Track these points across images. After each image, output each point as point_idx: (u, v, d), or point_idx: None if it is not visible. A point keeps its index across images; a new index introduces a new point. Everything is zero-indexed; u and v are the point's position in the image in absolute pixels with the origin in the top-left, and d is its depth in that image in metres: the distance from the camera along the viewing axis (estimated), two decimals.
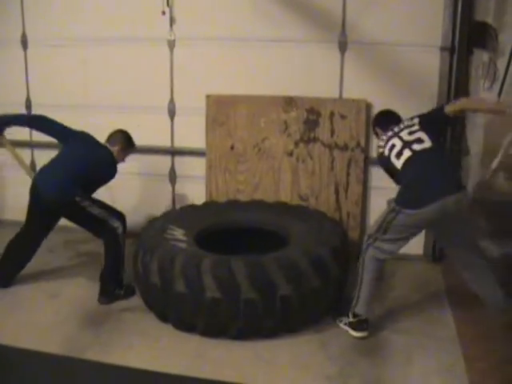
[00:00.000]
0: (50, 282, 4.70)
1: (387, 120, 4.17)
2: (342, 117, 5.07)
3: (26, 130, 5.72)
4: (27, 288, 4.54)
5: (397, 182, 4.00)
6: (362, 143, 5.07)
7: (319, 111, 5.11)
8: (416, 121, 3.96)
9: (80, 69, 5.58)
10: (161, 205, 5.53)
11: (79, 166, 4.33)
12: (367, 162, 5.16)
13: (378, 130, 4.22)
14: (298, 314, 3.86)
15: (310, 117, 5.13)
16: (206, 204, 5.15)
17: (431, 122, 3.96)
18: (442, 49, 4.84)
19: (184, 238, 4.24)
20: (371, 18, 4.95)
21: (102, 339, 3.86)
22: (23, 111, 5.74)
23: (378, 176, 5.14)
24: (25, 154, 5.80)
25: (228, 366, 3.56)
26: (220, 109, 5.30)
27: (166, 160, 5.63)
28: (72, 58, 5.57)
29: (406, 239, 3.86)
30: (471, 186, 4.93)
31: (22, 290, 4.51)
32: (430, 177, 3.73)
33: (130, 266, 4.36)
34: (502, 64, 4.73)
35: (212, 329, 3.83)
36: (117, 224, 4.37)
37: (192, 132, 5.45)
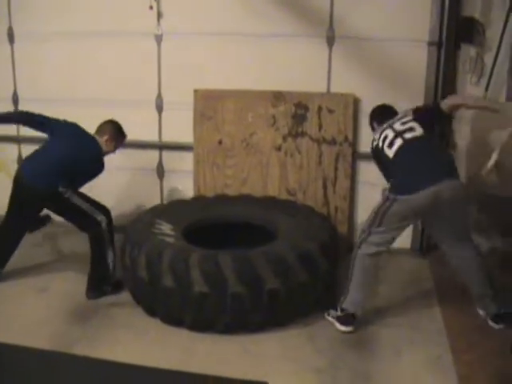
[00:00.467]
0: (38, 276, 4.67)
1: (383, 114, 4.20)
2: (330, 111, 5.07)
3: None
4: (14, 283, 4.52)
5: (388, 176, 4.02)
6: (350, 138, 5.08)
7: (307, 105, 5.11)
8: (409, 113, 4.00)
9: (67, 63, 5.54)
10: (149, 199, 5.51)
11: (64, 156, 4.26)
12: (355, 156, 5.17)
13: (375, 125, 4.24)
14: (286, 308, 3.87)
15: (298, 111, 5.13)
16: (193, 198, 5.15)
17: (425, 114, 4.02)
18: (430, 43, 4.85)
19: (172, 233, 4.24)
20: (359, 12, 4.95)
21: (89, 334, 3.85)
22: (10, 106, 5.71)
23: (366, 170, 5.17)
24: (12, 148, 5.81)
25: (216, 359, 3.57)
26: (208, 103, 5.29)
27: (153, 154, 5.62)
28: (59, 52, 5.53)
29: (398, 231, 3.88)
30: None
31: (9, 285, 4.47)
32: (422, 163, 3.78)
33: (117, 260, 4.36)
34: (489, 59, 4.75)
35: (200, 323, 3.83)
36: (101, 218, 4.32)
37: (180, 126, 5.43)
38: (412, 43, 4.88)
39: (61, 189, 4.22)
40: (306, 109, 5.12)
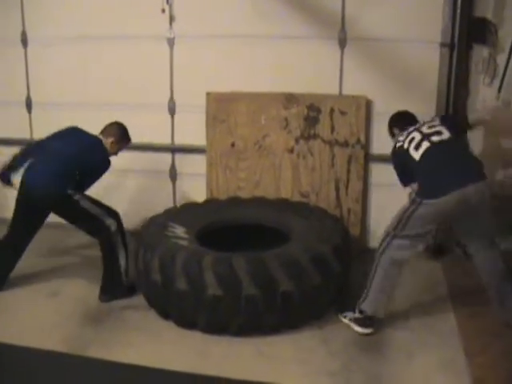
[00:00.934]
0: (50, 280, 4.69)
1: (404, 120, 4.18)
2: (342, 113, 5.07)
3: (26, 128, 5.77)
4: (27, 287, 4.54)
5: (408, 179, 4.02)
6: (363, 140, 5.07)
7: (319, 108, 5.11)
8: (437, 118, 4.04)
9: (80, 67, 5.58)
10: (161, 202, 5.52)
11: (69, 158, 4.25)
12: (367, 158, 5.16)
13: (396, 130, 4.21)
14: (299, 310, 3.87)
15: (311, 113, 5.13)
16: (206, 201, 5.15)
17: (452, 123, 4.03)
18: (442, 45, 4.84)
19: (185, 236, 4.24)
20: (371, 14, 4.94)
21: (103, 337, 3.86)
22: (23, 109, 5.75)
23: (379, 172, 5.16)
24: None
25: (230, 362, 3.57)
26: (220, 106, 5.30)
27: (166, 157, 5.63)
28: (72, 56, 5.57)
29: (424, 237, 3.84)
30: None
31: (21, 290, 4.50)
32: (449, 166, 3.75)
33: (131, 263, 4.37)
34: (501, 60, 4.74)
35: (213, 325, 3.84)
36: (109, 222, 4.32)
37: (192, 129, 5.44)
38: (424, 44, 4.87)
39: (69, 191, 4.23)
40: (319, 111, 5.12)
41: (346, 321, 3.98)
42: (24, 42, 5.68)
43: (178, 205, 5.34)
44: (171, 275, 3.80)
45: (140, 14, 5.28)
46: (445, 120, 4.02)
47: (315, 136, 5.16)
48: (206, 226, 4.52)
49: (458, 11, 4.73)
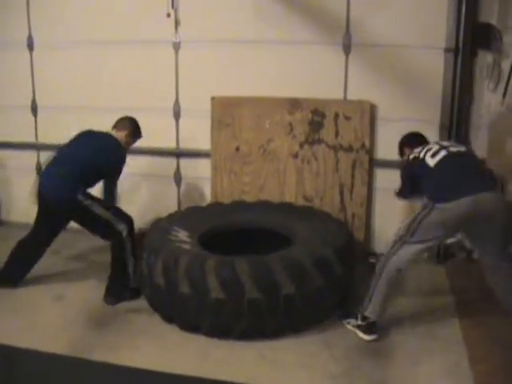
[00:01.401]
0: (56, 283, 4.71)
1: (416, 141, 4.21)
2: (347, 118, 5.07)
3: (32, 132, 5.79)
4: (33, 290, 4.55)
5: (406, 192, 4.11)
6: (367, 144, 5.07)
7: (324, 112, 5.12)
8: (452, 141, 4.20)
9: (85, 71, 5.60)
10: (166, 206, 5.54)
11: (83, 163, 4.30)
12: (372, 163, 5.16)
13: (407, 150, 4.22)
14: (302, 314, 3.87)
15: (315, 118, 5.14)
16: (210, 205, 5.16)
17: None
18: (446, 50, 4.84)
19: (188, 240, 4.25)
20: (375, 19, 4.94)
21: (107, 340, 3.87)
22: (29, 113, 5.78)
23: (383, 177, 5.16)
24: (31, 155, 5.87)
25: (232, 365, 3.58)
26: (225, 110, 5.31)
27: (171, 161, 5.65)
28: (77, 61, 5.59)
29: (432, 243, 3.85)
30: None
31: (27, 292, 4.52)
32: (464, 174, 3.80)
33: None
34: (506, 65, 4.73)
35: (216, 329, 3.84)
36: (121, 227, 4.36)
37: (197, 134, 5.47)
38: (428, 50, 4.87)
39: (80, 197, 4.26)
40: (323, 116, 5.12)
41: (349, 327, 3.98)
42: (30, 45, 5.71)
43: (183, 209, 5.35)
44: (174, 279, 3.81)
45: (145, 18, 5.30)
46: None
47: (319, 141, 5.16)
48: (209, 229, 4.53)
49: (463, 17, 4.72)
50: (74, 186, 4.27)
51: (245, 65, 5.27)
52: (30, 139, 5.71)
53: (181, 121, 5.53)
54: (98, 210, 4.34)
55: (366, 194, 5.19)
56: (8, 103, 5.81)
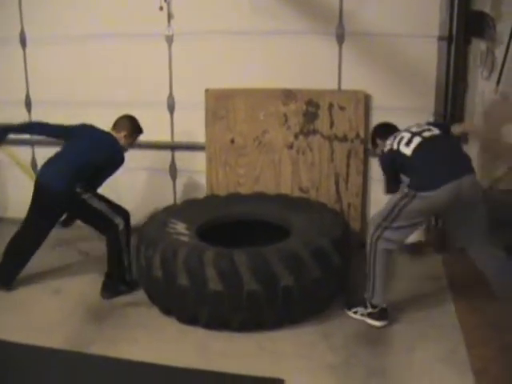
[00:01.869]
0: (53, 278, 4.72)
1: (387, 131, 4.18)
2: (341, 108, 5.07)
3: None
4: (30, 285, 4.55)
5: (392, 188, 4.04)
6: (362, 134, 5.08)
7: (318, 103, 5.12)
8: (423, 123, 4.06)
9: (79, 65, 5.59)
10: (162, 199, 5.54)
11: (82, 159, 4.30)
12: (367, 153, 5.17)
13: (379, 141, 4.23)
14: (301, 305, 3.88)
15: (309, 109, 5.14)
16: (207, 197, 5.17)
17: (439, 124, 4.10)
18: (440, 38, 4.84)
19: (186, 232, 4.26)
20: (368, 9, 4.95)
21: (106, 334, 3.88)
22: (23, 109, 5.77)
23: (378, 167, 5.16)
24: (26, 152, 5.86)
25: (231, 357, 3.59)
26: (219, 103, 5.31)
27: (166, 155, 5.65)
28: (70, 55, 5.58)
29: (415, 226, 3.88)
30: None
31: (24, 287, 4.52)
32: (442, 159, 3.77)
33: (132, 260, 4.40)
34: (500, 53, 4.74)
35: (215, 321, 3.86)
36: (118, 221, 4.37)
37: (192, 126, 5.47)
38: (422, 38, 4.87)
39: (78, 189, 4.26)
40: (317, 106, 5.12)
41: (357, 316, 3.99)
42: (23, 41, 5.69)
43: (179, 201, 5.35)
44: (173, 271, 3.81)
45: (138, 11, 5.28)
46: (431, 123, 4.11)
47: (314, 131, 5.17)
48: (206, 222, 4.53)
49: (456, 5, 4.73)
50: (72, 179, 4.26)
51: (238, 56, 5.26)
52: (25, 135, 5.68)
53: (175, 114, 5.53)
54: (96, 203, 4.34)
55: (362, 183, 5.20)
56: (2, 99, 5.79)
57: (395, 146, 3.88)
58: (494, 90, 4.73)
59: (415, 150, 3.78)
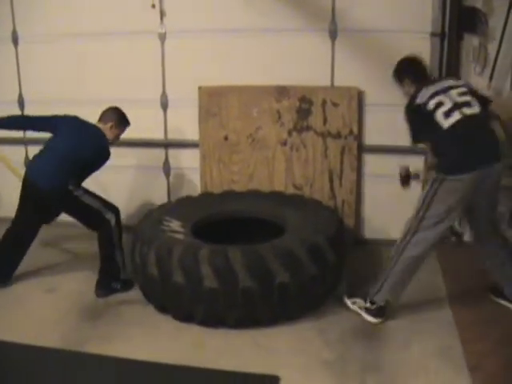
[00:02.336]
0: (46, 276, 4.70)
1: (418, 71, 4.02)
2: (335, 105, 5.08)
3: None
4: (23, 283, 4.54)
5: (420, 136, 3.85)
6: (355, 131, 5.08)
7: (311, 100, 5.12)
8: (462, 84, 3.89)
9: (71, 64, 5.57)
10: (156, 197, 5.54)
11: (69, 153, 4.27)
12: (360, 149, 5.17)
13: (407, 80, 4.01)
14: (296, 302, 3.89)
15: (303, 105, 5.14)
16: (201, 195, 5.16)
17: (478, 100, 3.84)
18: (432, 34, 4.85)
19: (181, 230, 4.25)
20: (361, 5, 4.95)
21: (101, 332, 3.87)
22: (16, 108, 5.75)
23: (372, 163, 5.19)
24: (18, 150, 5.84)
25: (227, 354, 3.59)
26: (212, 100, 5.30)
27: (159, 152, 5.64)
28: (63, 53, 5.56)
29: (447, 219, 3.73)
30: None
31: (18, 286, 4.50)
32: (479, 142, 3.67)
33: (127, 258, 4.39)
34: (492, 48, 4.75)
35: (211, 318, 3.86)
36: (109, 216, 4.35)
37: (185, 124, 5.46)
38: (415, 34, 4.87)
39: (70, 187, 4.25)
40: (311, 103, 5.12)
41: (354, 307, 4.01)
42: (15, 40, 5.67)
43: (173, 199, 5.35)
44: (168, 269, 3.81)
45: (131, 9, 5.28)
46: (472, 92, 3.84)
47: (308, 128, 5.17)
48: (201, 219, 4.52)
49: (448, 1, 4.74)
50: (63, 177, 4.25)
51: (231, 53, 5.25)
52: (18, 134, 5.65)
53: (168, 111, 5.52)
54: (88, 199, 4.33)
55: (356, 180, 5.20)
56: None
57: (431, 107, 3.71)
58: (487, 85, 4.73)
59: (453, 127, 3.64)
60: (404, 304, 4.13)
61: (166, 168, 5.66)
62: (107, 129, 4.46)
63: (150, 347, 3.69)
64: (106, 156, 4.41)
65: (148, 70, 5.44)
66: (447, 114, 3.65)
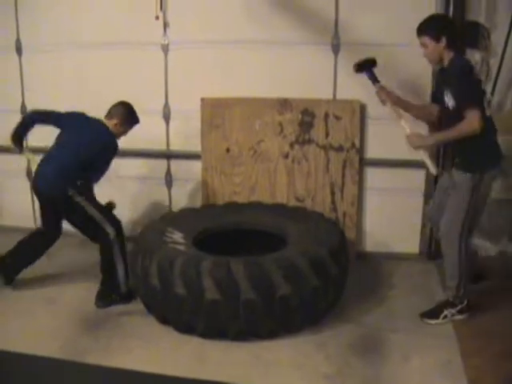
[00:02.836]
0: (47, 287, 4.70)
1: (460, 45, 4.11)
2: (337, 118, 5.09)
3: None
4: (24, 294, 4.54)
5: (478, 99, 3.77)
6: (357, 144, 5.09)
7: (314, 113, 5.13)
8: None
9: (75, 74, 5.59)
10: (157, 209, 5.55)
11: (70, 152, 4.28)
12: (362, 162, 5.19)
13: (446, 40, 3.96)
14: (298, 314, 3.88)
15: (305, 118, 5.16)
16: (203, 207, 5.17)
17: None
18: None
19: (183, 241, 4.26)
20: (363, 19, 4.97)
21: (101, 343, 3.87)
22: (19, 117, 5.73)
23: (374, 177, 5.19)
24: (21, 159, 5.82)
25: (228, 366, 3.59)
26: (215, 112, 5.32)
27: (162, 163, 5.65)
28: (67, 64, 5.58)
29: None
30: None
31: (18, 296, 4.51)
32: (496, 141, 3.87)
33: (129, 269, 4.38)
34: (494, 63, 4.78)
35: (212, 330, 3.85)
36: (109, 230, 4.33)
37: (187, 135, 5.47)
38: (417, 48, 4.88)
39: (70, 192, 4.25)
40: (313, 116, 5.14)
41: (445, 321, 4.06)
42: (19, 49, 5.69)
43: (175, 210, 5.35)
44: (169, 280, 3.81)
45: (134, 20, 5.29)
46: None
47: (310, 141, 5.18)
48: (203, 231, 4.53)
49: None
50: (64, 181, 4.25)
51: (234, 66, 5.27)
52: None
53: (171, 123, 5.53)
54: (90, 209, 4.31)
55: (357, 193, 5.21)
56: None
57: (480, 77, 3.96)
58: (488, 99, 4.75)
59: (488, 119, 3.78)
60: (403, 317, 4.14)
61: (168, 179, 5.67)
62: (111, 125, 4.45)
63: (150, 358, 3.68)
64: (112, 150, 4.40)
65: (151, 81, 5.45)
66: (487, 104, 3.88)
